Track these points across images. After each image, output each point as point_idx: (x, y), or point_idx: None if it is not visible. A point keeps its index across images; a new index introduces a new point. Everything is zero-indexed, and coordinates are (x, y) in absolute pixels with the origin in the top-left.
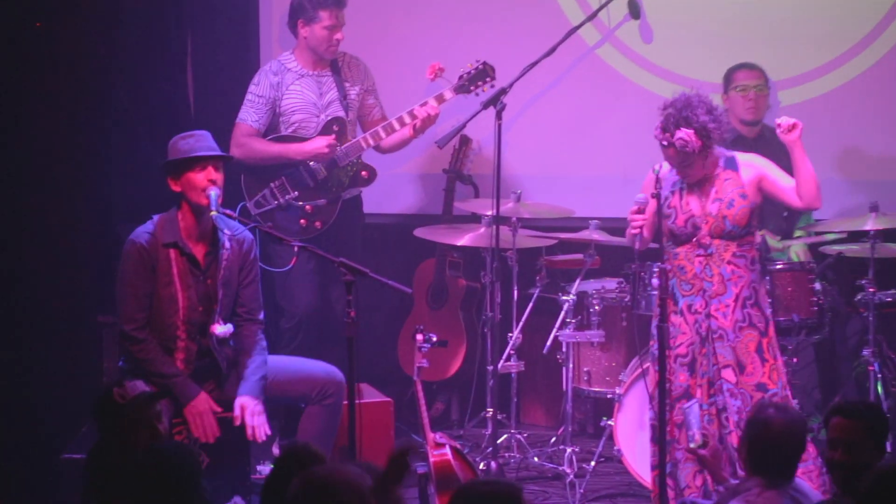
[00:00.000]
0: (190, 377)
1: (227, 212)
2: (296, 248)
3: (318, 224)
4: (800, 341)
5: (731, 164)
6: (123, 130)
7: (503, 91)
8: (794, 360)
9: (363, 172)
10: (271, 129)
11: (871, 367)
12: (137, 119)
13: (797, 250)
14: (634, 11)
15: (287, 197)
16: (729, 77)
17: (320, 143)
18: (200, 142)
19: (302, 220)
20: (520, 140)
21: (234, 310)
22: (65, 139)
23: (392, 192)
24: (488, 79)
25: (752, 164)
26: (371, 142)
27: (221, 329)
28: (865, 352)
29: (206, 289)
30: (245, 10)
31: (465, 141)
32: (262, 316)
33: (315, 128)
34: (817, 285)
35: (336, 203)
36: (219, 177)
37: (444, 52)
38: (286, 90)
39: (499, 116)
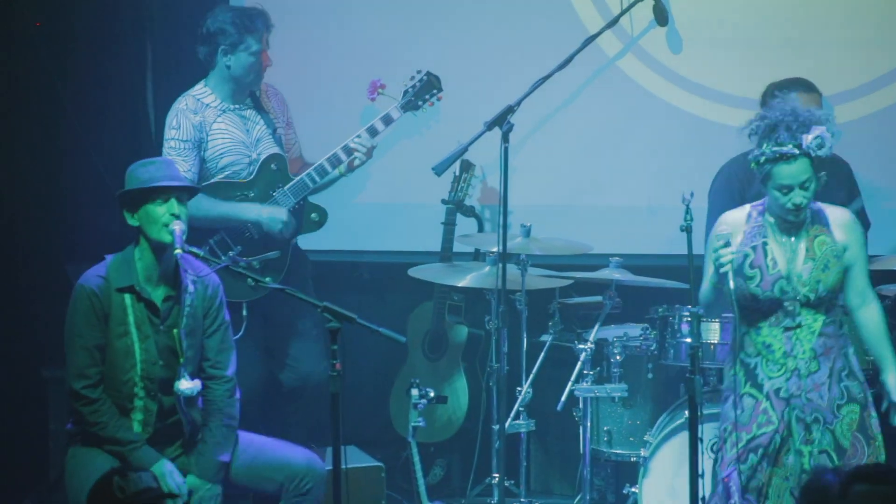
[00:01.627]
0: (151, 439)
1: (194, 250)
2: (244, 313)
3: (268, 280)
4: None
5: (821, 218)
6: (73, 153)
7: (510, 109)
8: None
9: (312, 214)
10: (199, 177)
11: None
12: (89, 140)
13: None
14: (661, 18)
15: (230, 254)
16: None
17: (280, 216)
18: (162, 170)
19: (249, 279)
20: (530, 165)
21: (200, 364)
22: (3, 164)
23: (382, 225)
24: (435, 91)
25: (847, 226)
26: (318, 179)
27: (188, 385)
28: None
29: (168, 339)
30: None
31: (467, 167)
32: (231, 371)
33: (248, 170)
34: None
35: (286, 253)
36: (182, 211)
37: (443, 68)
38: (210, 129)
39: (505, 138)
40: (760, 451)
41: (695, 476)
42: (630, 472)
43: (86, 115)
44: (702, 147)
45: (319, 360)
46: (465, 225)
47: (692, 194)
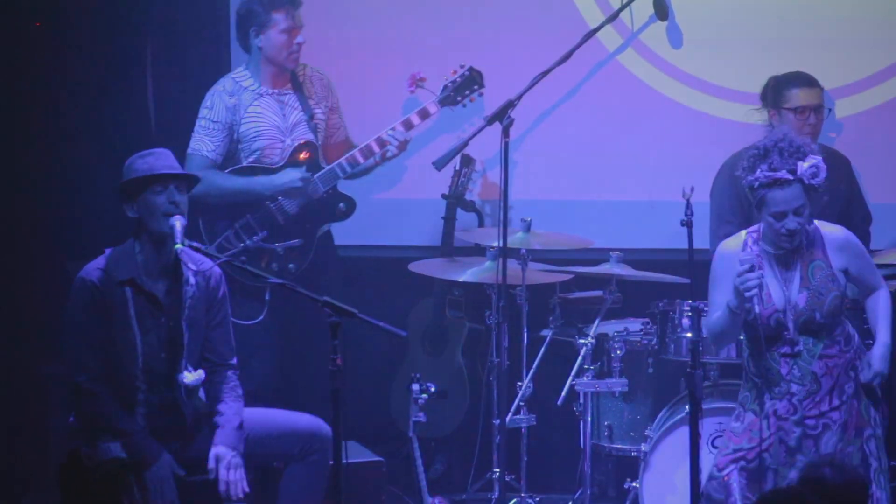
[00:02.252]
0: (153, 432)
1: (195, 244)
2: (267, 297)
3: (291, 267)
4: None
5: (816, 241)
6: (74, 152)
7: (511, 104)
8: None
9: (340, 204)
10: (229, 159)
11: None
12: (90, 138)
13: None
14: (661, 12)
15: (255, 238)
16: (780, 91)
17: (292, 176)
18: (161, 160)
19: (273, 265)
20: (530, 160)
21: (203, 355)
22: (3, 163)
23: (383, 221)
24: (476, 87)
25: (844, 247)
26: (348, 169)
27: (191, 377)
28: None
29: (169, 332)
30: (213, 11)
31: (468, 162)
32: (235, 360)
33: (281, 155)
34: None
35: (311, 242)
36: (182, 200)
37: (440, 62)
38: (244, 113)
39: (506, 133)
40: (742, 463)
41: (695, 471)
42: (631, 466)
43: (86, 112)
44: (702, 142)
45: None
46: (465, 220)
47: (692, 189)
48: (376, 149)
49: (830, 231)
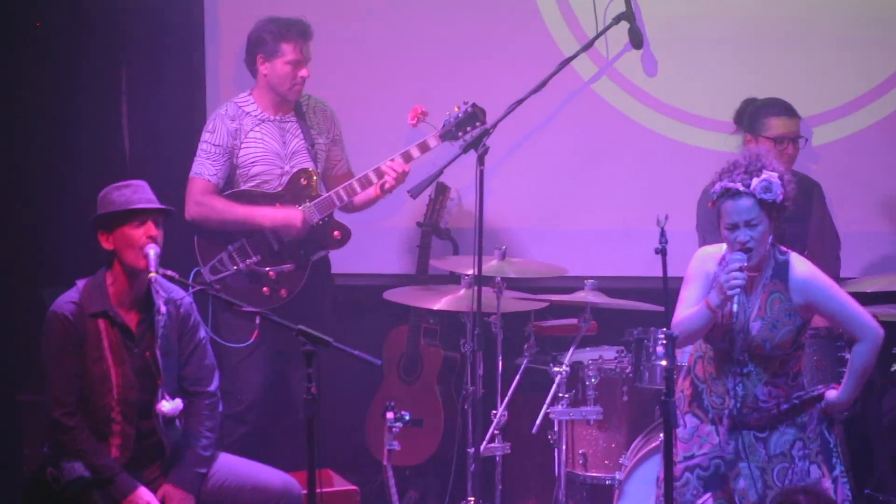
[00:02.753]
0: (130, 462)
1: (169, 272)
2: (257, 321)
3: (283, 292)
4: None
5: (782, 273)
6: (48, 178)
7: (486, 132)
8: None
9: (335, 232)
10: (227, 183)
11: None
12: (64, 164)
13: None
14: (636, 41)
15: (248, 262)
16: (758, 118)
17: (295, 217)
18: (138, 193)
19: (264, 288)
20: (505, 188)
21: (179, 383)
22: None
23: (358, 248)
24: (478, 123)
25: (806, 289)
26: (345, 197)
27: (169, 406)
28: None
29: (144, 362)
30: (189, 38)
31: (443, 190)
32: (214, 386)
33: (279, 181)
34: (846, 354)
35: (304, 268)
36: (159, 234)
37: (420, 90)
38: (245, 137)
39: (481, 161)
40: (698, 471)
41: (670, 498)
42: (605, 495)
43: (60, 138)
44: (676, 170)
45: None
46: (440, 247)
47: (667, 217)
48: (374, 179)
49: (797, 266)
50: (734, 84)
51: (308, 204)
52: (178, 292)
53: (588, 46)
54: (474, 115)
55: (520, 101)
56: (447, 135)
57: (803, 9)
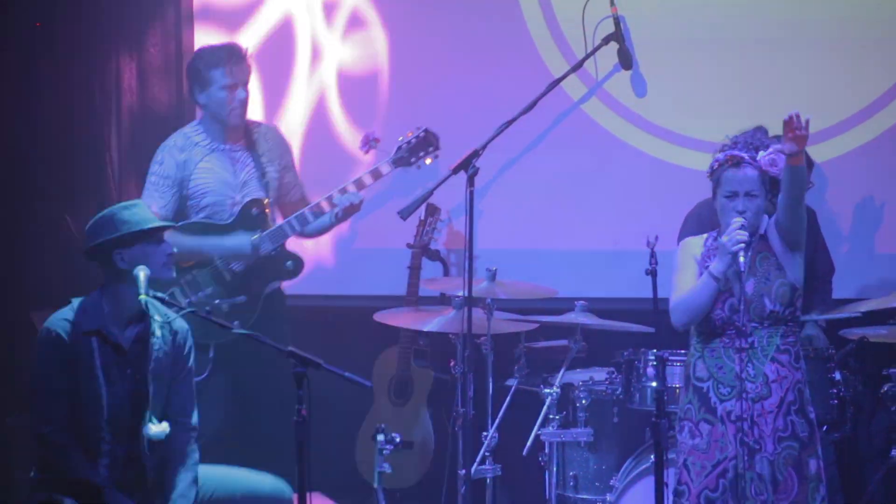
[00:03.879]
0: (116, 485)
1: (159, 295)
2: (211, 354)
3: (236, 324)
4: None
5: (763, 237)
6: (36, 200)
7: (476, 153)
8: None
9: (288, 263)
10: (178, 215)
11: None
12: (51, 187)
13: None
14: (626, 61)
15: (200, 294)
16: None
17: (242, 241)
18: (147, 212)
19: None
20: (495, 209)
21: (165, 410)
22: None
23: (348, 270)
24: (431, 149)
25: (769, 222)
26: (298, 227)
27: (156, 429)
28: (894, 452)
29: (135, 384)
30: (179, 58)
31: (433, 211)
32: (194, 420)
33: (230, 211)
34: (837, 375)
35: (257, 299)
36: (173, 253)
37: (408, 113)
38: (195, 168)
39: (471, 182)
40: (728, 476)
41: None
42: None
43: (47, 160)
44: (666, 191)
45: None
46: (430, 269)
47: (657, 238)
48: (326, 208)
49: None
50: (724, 105)
51: (261, 234)
52: (173, 316)
53: (577, 67)
54: (426, 140)
55: (509, 122)
56: (400, 161)
57: (794, 32)
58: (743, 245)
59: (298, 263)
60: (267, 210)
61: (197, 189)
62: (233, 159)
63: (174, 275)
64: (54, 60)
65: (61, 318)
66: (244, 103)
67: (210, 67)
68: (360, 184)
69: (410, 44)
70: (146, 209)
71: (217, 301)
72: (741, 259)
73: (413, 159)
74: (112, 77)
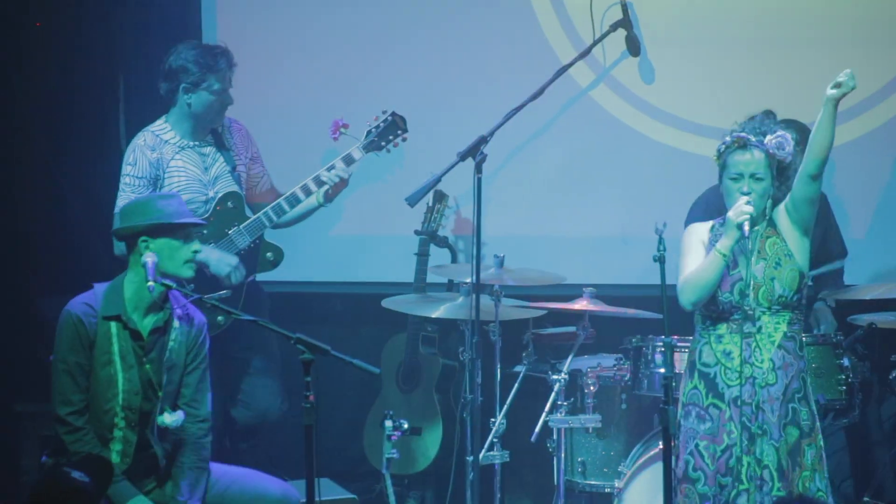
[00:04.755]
0: (128, 471)
1: (167, 282)
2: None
3: (220, 318)
4: (827, 425)
5: (773, 223)
6: (44, 187)
7: (483, 140)
8: (823, 448)
9: (268, 254)
10: None
11: None
12: (61, 175)
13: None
14: (633, 48)
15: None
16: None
17: (230, 258)
18: (184, 206)
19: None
20: (503, 196)
21: (175, 400)
22: None
23: (355, 257)
24: (399, 132)
25: (778, 207)
26: (274, 217)
27: (171, 418)
28: None
29: (150, 372)
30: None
31: (440, 198)
32: (206, 410)
33: (205, 208)
34: (846, 361)
35: (239, 293)
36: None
37: (417, 99)
38: (167, 167)
39: (478, 169)
40: (731, 462)
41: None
42: (604, 503)
43: (58, 148)
44: (674, 177)
45: (275, 397)
46: (438, 256)
47: (665, 224)
48: (302, 196)
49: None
50: (732, 91)
51: (237, 227)
52: (193, 309)
53: (585, 54)
54: (394, 123)
55: (517, 109)
56: (370, 145)
57: (801, 14)
58: (747, 217)
59: (278, 254)
60: (242, 203)
61: (171, 187)
62: (202, 155)
63: (193, 274)
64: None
65: (82, 303)
66: (226, 107)
67: (207, 71)
68: (331, 170)
69: (418, 30)
70: (182, 204)
71: (202, 296)
72: (746, 228)
73: (383, 143)
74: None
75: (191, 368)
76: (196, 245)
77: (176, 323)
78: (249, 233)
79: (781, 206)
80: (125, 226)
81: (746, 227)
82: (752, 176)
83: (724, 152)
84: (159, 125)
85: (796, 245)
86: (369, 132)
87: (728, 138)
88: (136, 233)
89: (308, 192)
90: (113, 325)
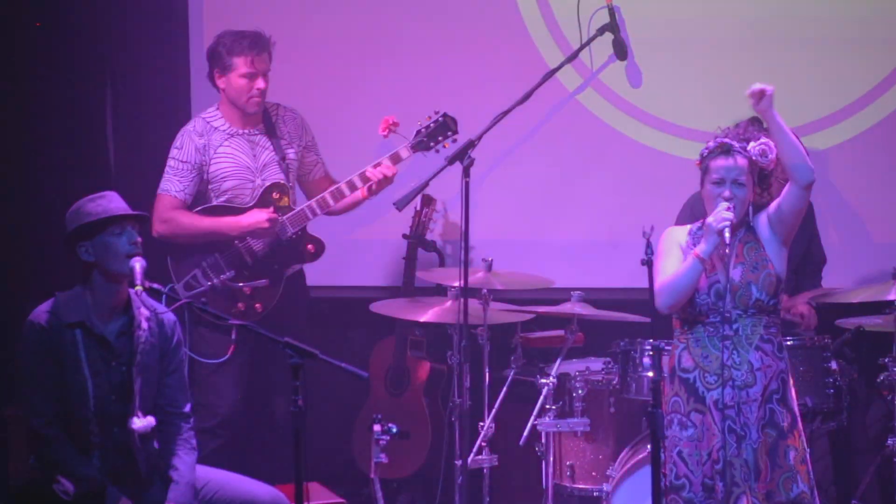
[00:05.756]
0: (109, 476)
1: (156, 286)
2: (233, 335)
3: (258, 307)
4: (813, 429)
5: (752, 229)
6: (33, 190)
7: (471, 144)
8: (807, 451)
9: (309, 246)
10: (199, 199)
11: None
12: (48, 179)
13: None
14: (620, 52)
15: (222, 277)
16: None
17: (259, 217)
18: (114, 202)
19: (240, 304)
20: (491, 200)
21: (156, 402)
22: None
23: (344, 261)
24: (450, 133)
25: (759, 214)
26: (318, 210)
27: (141, 423)
28: (890, 441)
29: (121, 376)
30: (174, 53)
31: (428, 202)
32: (188, 408)
33: (251, 195)
34: (833, 364)
35: (279, 282)
36: (140, 240)
37: (400, 102)
38: (214, 153)
39: (466, 173)
40: (717, 466)
41: None
42: None
43: (45, 153)
44: (661, 181)
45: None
46: (426, 259)
47: (652, 228)
48: (347, 192)
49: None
50: (719, 95)
51: (281, 218)
52: (161, 308)
53: (572, 58)
54: (445, 124)
55: (505, 113)
56: (419, 145)
57: (788, 18)
58: (728, 224)
59: (319, 246)
60: (288, 194)
61: (218, 173)
62: (252, 143)
63: (133, 278)
64: (53, 51)
65: (43, 311)
66: (263, 93)
67: (232, 54)
68: (379, 166)
69: (404, 33)
70: (113, 200)
71: (240, 284)
72: (726, 235)
73: (432, 143)
74: (109, 66)
75: (169, 371)
76: (133, 236)
77: (143, 325)
78: (292, 223)
79: (763, 214)
80: (64, 238)
81: (727, 235)
82: (734, 181)
83: (706, 157)
84: (210, 112)
85: (774, 252)
86: (419, 132)
87: (711, 143)
88: (73, 241)
89: (353, 188)
90: (77, 331)
